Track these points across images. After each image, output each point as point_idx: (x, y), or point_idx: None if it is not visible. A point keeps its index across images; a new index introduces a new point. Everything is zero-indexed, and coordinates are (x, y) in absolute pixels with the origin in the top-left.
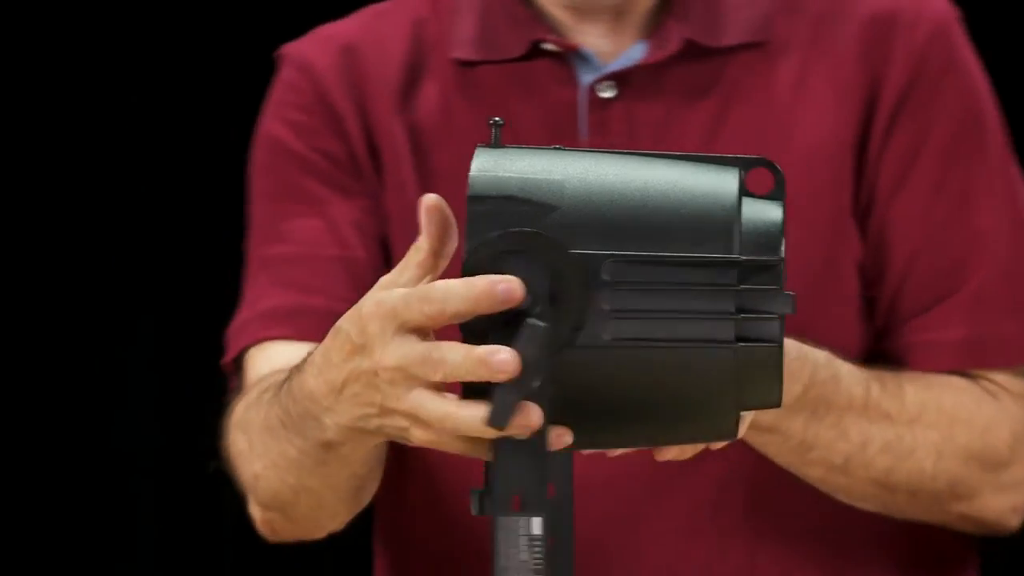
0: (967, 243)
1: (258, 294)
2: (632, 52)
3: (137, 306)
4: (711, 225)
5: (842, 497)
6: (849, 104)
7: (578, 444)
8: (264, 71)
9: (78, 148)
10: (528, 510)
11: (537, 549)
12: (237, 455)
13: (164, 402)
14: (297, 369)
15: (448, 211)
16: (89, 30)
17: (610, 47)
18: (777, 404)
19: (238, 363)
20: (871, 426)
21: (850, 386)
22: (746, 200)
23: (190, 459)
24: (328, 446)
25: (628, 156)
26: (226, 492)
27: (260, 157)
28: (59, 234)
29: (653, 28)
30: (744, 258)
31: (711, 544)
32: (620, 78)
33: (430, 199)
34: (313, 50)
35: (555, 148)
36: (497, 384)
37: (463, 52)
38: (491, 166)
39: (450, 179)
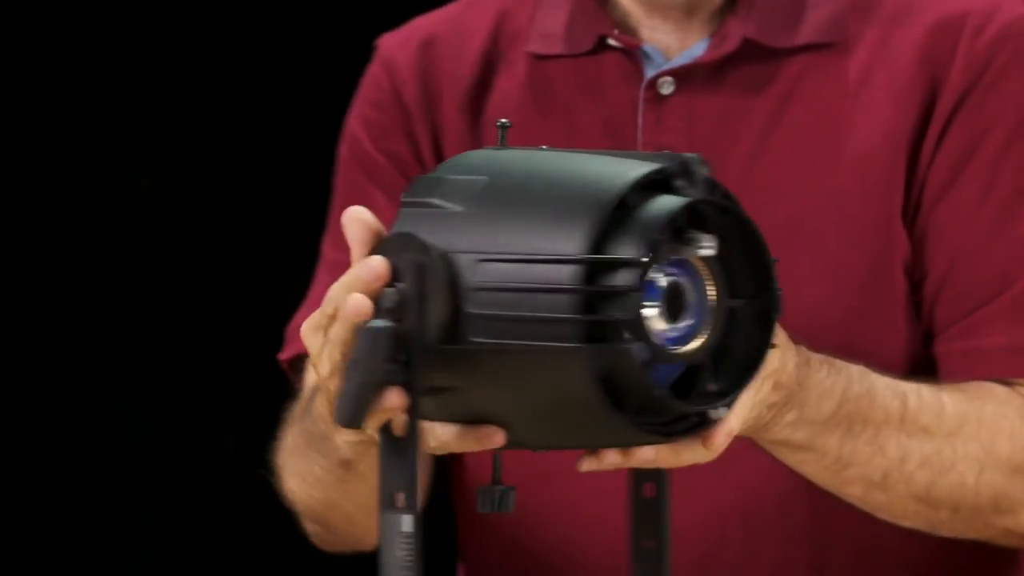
0: (1010, 251)
1: (319, 295)
2: (694, 50)
3: (137, 305)
4: (572, 222)
5: (884, 515)
6: (906, 107)
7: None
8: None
9: (77, 148)
10: (402, 509)
11: (408, 547)
12: (279, 469)
13: (164, 401)
14: (317, 388)
15: (374, 221)
16: (86, 29)
17: (677, 44)
18: (654, 407)
19: (296, 364)
20: (909, 440)
21: (886, 400)
22: (662, 197)
23: (190, 458)
24: (346, 464)
25: (559, 153)
26: (226, 492)
27: (341, 153)
28: (58, 234)
29: (718, 26)
30: (589, 257)
31: (738, 552)
32: (679, 75)
33: (353, 212)
34: (397, 44)
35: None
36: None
37: (537, 46)
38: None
39: None
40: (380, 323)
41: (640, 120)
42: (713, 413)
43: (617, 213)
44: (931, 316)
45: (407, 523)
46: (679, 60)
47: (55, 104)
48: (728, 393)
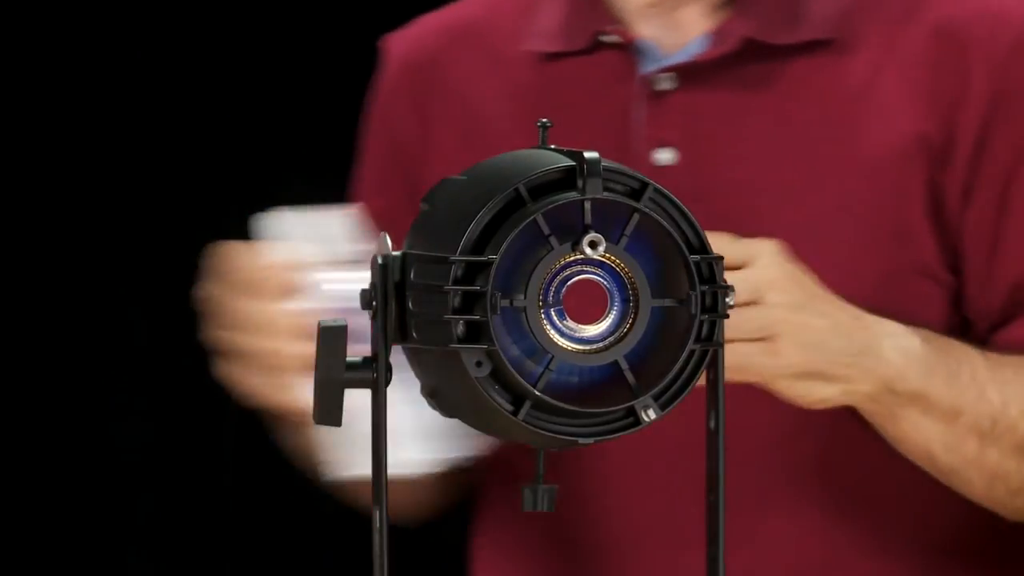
0: None
1: None
2: (692, 46)
3: (136, 305)
4: (463, 222)
5: (978, 491)
6: (922, 111)
7: None
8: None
9: (76, 147)
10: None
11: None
12: None
13: (163, 402)
14: None
15: None
16: (83, 29)
17: (674, 39)
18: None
19: None
20: (1004, 386)
21: (966, 348)
22: (555, 196)
23: (190, 459)
24: None
25: (513, 153)
26: (226, 492)
27: (363, 140)
28: (58, 232)
29: (717, 21)
30: (454, 257)
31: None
32: (679, 71)
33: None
34: (407, 38)
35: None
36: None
37: (535, 43)
38: None
39: None
40: (335, 321)
41: (637, 116)
42: (643, 414)
43: (513, 214)
44: (982, 306)
45: (375, 517)
46: (678, 57)
47: (55, 104)
48: (649, 392)
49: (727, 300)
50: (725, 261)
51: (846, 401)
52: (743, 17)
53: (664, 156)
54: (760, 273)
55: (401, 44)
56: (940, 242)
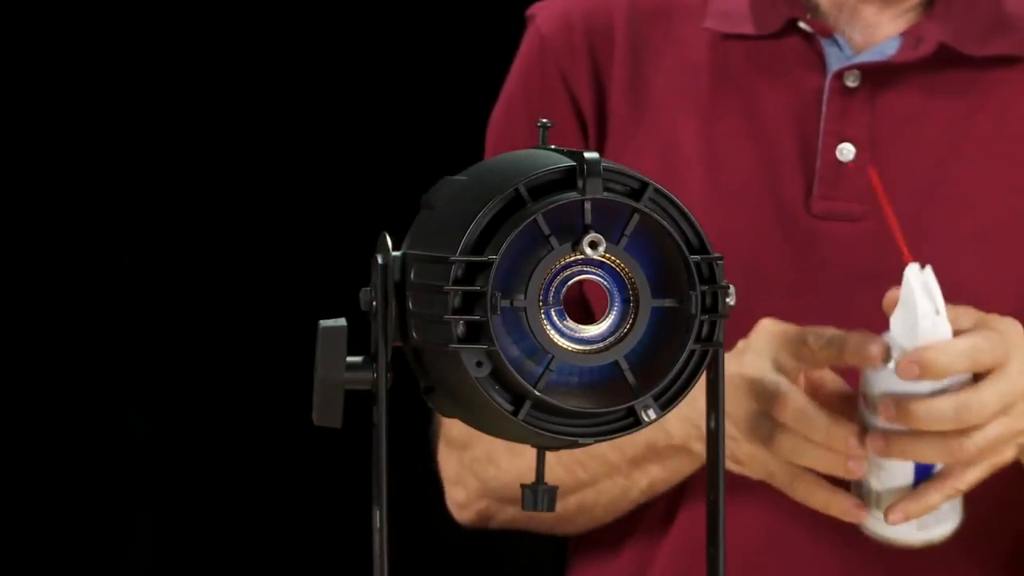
0: None
1: None
2: (886, 46)
3: (137, 303)
4: (463, 222)
5: None
6: None
7: None
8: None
9: (76, 147)
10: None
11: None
12: None
13: (163, 402)
14: None
15: None
16: (83, 28)
17: (863, 37)
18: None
19: None
20: None
21: None
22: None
23: (190, 458)
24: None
25: (516, 153)
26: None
27: (495, 117)
28: (59, 232)
29: (914, 22)
30: (454, 257)
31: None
32: (867, 70)
33: None
34: (553, 11)
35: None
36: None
37: (715, 23)
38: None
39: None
40: (335, 321)
41: (824, 110)
42: (643, 414)
43: (513, 214)
44: None
45: (376, 518)
46: (869, 55)
47: (57, 103)
48: (649, 392)
49: (727, 300)
50: (974, 363)
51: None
52: (939, 22)
53: (846, 153)
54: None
55: (581, 5)
56: None
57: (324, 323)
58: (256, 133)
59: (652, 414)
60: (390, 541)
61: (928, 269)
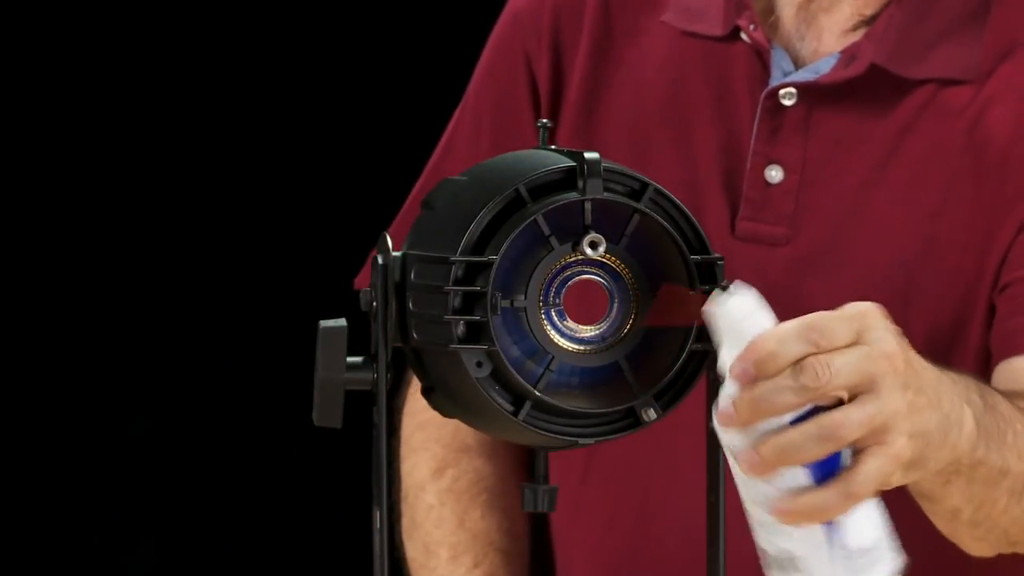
0: None
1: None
2: (823, 64)
3: (136, 304)
4: (462, 223)
5: (965, 534)
6: None
7: None
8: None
9: (75, 147)
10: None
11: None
12: None
13: (164, 403)
14: None
15: None
16: (83, 28)
17: (812, 51)
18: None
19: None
20: None
21: (994, 393)
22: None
23: (190, 459)
24: None
25: (518, 153)
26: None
27: (473, 87)
28: (57, 232)
29: (850, 41)
30: (454, 258)
31: None
32: (802, 89)
33: None
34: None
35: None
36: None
37: (673, 18)
38: None
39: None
40: (335, 321)
41: (755, 129)
42: (643, 414)
43: (513, 214)
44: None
45: (376, 518)
46: (803, 74)
47: (57, 103)
48: (649, 392)
49: None
50: (831, 342)
51: (908, 480)
52: (876, 41)
53: (774, 174)
54: (876, 364)
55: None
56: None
57: (324, 323)
58: (256, 134)
59: (652, 414)
60: (390, 541)
61: (734, 288)
